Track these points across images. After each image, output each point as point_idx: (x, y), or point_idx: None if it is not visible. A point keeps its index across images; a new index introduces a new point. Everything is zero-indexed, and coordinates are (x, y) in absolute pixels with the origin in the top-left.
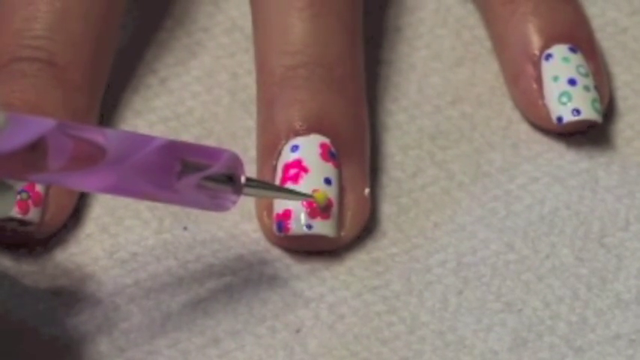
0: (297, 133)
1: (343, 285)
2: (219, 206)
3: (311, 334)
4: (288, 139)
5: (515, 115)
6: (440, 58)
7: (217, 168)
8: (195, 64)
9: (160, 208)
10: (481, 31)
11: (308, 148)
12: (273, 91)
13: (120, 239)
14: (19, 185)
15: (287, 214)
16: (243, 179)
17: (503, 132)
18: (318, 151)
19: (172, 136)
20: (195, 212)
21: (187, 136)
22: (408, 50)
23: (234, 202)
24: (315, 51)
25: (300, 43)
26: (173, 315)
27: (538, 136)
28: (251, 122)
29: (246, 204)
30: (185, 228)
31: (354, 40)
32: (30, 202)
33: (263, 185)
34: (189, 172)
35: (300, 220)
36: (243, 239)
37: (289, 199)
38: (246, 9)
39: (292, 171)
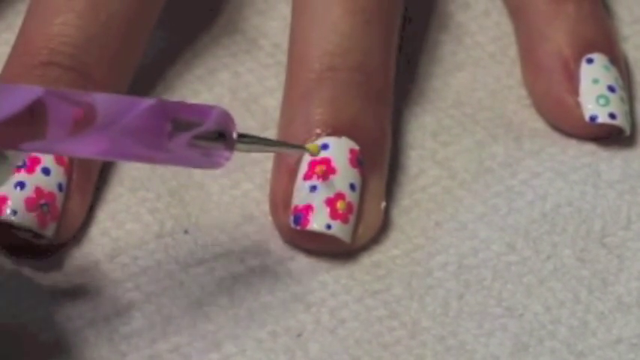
0: (329, 133)
1: (344, 289)
2: (212, 163)
3: (312, 338)
4: (318, 136)
5: (517, 118)
6: (441, 62)
7: (208, 125)
8: (197, 63)
9: (161, 212)
10: (482, 37)
11: (338, 150)
12: (309, 85)
13: (121, 243)
14: (18, 159)
15: (308, 209)
16: (235, 135)
17: (506, 126)
18: (348, 155)
19: None
20: (195, 214)
21: None
22: (410, 55)
23: (227, 159)
24: (360, 58)
25: (347, 47)
26: (174, 319)
27: (541, 130)
28: (252, 121)
29: (248, 206)
30: (186, 231)
31: (393, 52)
32: (49, 216)
33: (255, 140)
34: (181, 131)
35: (321, 218)
36: (244, 242)
37: (282, 151)
38: (246, 12)
39: (319, 168)
